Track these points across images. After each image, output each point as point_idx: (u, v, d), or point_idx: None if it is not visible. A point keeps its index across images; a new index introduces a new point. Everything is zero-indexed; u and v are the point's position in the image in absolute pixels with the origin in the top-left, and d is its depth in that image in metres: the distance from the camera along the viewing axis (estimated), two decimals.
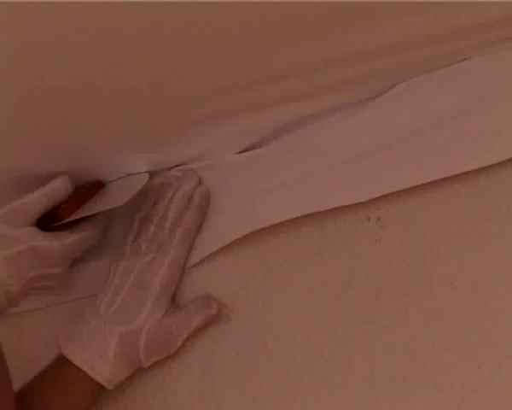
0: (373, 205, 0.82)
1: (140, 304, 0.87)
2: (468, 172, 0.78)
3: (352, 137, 0.84)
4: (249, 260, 0.88)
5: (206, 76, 0.78)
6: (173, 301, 0.90)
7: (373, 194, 0.82)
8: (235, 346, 0.87)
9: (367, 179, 0.82)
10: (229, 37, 0.72)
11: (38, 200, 0.88)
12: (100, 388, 0.87)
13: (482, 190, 0.78)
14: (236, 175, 0.90)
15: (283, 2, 0.68)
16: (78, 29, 0.69)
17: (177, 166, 0.93)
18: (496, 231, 0.77)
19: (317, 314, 0.83)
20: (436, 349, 0.77)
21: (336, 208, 0.83)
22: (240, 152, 0.90)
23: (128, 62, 0.75)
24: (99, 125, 0.84)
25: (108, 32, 0.71)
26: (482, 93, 0.78)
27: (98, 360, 0.86)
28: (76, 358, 0.86)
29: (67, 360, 0.87)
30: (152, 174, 0.92)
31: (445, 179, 0.79)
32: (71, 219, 0.89)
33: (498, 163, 0.77)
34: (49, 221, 0.88)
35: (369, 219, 0.83)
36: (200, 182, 0.92)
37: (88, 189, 0.92)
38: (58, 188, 0.89)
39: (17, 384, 0.85)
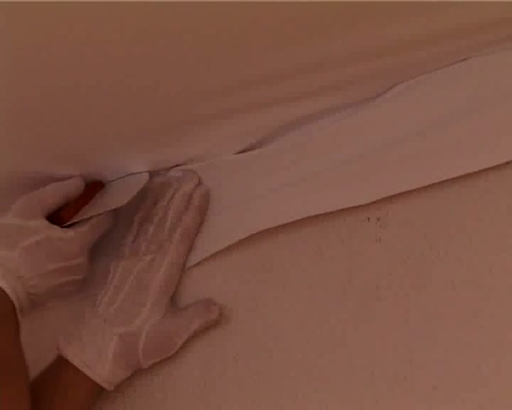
0: (373, 205, 0.82)
1: (139, 305, 0.87)
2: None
3: (352, 138, 0.84)
4: (249, 260, 0.88)
5: (206, 76, 0.78)
6: (173, 302, 0.90)
7: (373, 197, 0.82)
8: (235, 346, 0.87)
9: (367, 182, 0.82)
10: (228, 37, 0.72)
11: (50, 193, 0.88)
12: (99, 389, 0.87)
13: (482, 190, 0.78)
14: (236, 175, 0.90)
15: (283, 2, 0.68)
16: (79, 30, 0.69)
17: (176, 165, 0.93)
18: (496, 231, 0.77)
19: (317, 314, 0.83)
20: (436, 349, 0.77)
21: None
22: (240, 152, 0.90)
23: (128, 63, 0.75)
24: (99, 126, 0.84)
25: (108, 34, 0.70)
26: (482, 93, 0.78)
27: (97, 361, 0.86)
28: (75, 359, 0.86)
29: (67, 361, 0.87)
30: (152, 174, 0.92)
31: (445, 179, 0.79)
32: (74, 220, 0.89)
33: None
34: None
35: (369, 219, 0.83)
36: (199, 182, 0.92)
37: (88, 189, 0.92)
38: (70, 184, 0.89)
39: None
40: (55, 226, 0.87)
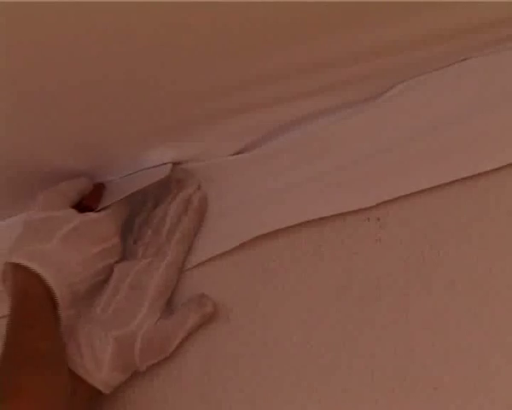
0: (373, 205, 0.82)
1: (136, 307, 0.87)
2: None
3: (352, 138, 0.84)
4: (249, 261, 0.88)
5: (206, 76, 0.78)
6: (172, 303, 0.90)
7: (374, 200, 0.82)
8: (235, 346, 0.87)
9: (368, 185, 0.82)
10: (228, 37, 0.72)
11: (69, 187, 0.88)
12: (97, 392, 0.87)
13: (482, 190, 0.78)
14: (236, 177, 0.90)
15: (283, 2, 0.68)
16: (84, 27, 0.69)
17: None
18: (496, 231, 0.77)
19: (317, 314, 0.83)
20: (436, 349, 0.77)
21: None
22: (239, 152, 0.90)
23: (127, 63, 0.75)
24: (102, 124, 0.84)
25: (108, 33, 0.70)
26: (482, 93, 0.78)
27: (94, 364, 0.86)
28: (71, 362, 0.86)
29: None
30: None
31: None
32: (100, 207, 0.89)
33: None
34: None
35: (368, 219, 0.83)
36: (199, 186, 0.91)
37: (95, 189, 0.92)
38: (83, 180, 0.90)
39: None
40: (86, 213, 0.87)
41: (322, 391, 0.82)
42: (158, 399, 0.90)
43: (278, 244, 0.87)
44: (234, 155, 0.91)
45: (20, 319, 0.81)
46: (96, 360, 0.86)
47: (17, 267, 0.83)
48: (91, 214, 0.87)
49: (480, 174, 0.78)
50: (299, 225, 0.86)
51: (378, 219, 0.82)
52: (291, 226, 0.86)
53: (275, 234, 0.87)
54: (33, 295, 0.82)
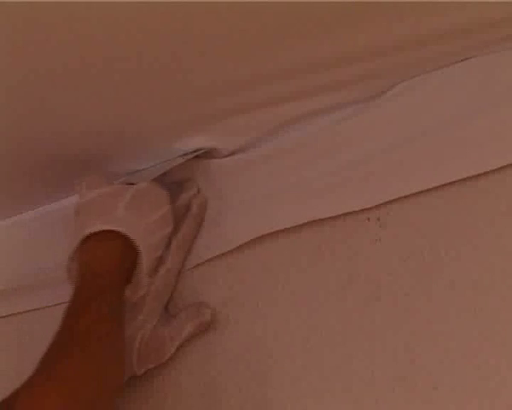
0: (373, 205, 0.82)
1: (134, 312, 0.87)
2: None
3: (352, 139, 0.84)
4: (249, 260, 0.88)
5: (206, 76, 0.78)
6: (171, 304, 0.90)
7: (374, 201, 0.82)
8: (235, 346, 0.87)
9: (368, 186, 0.82)
10: (228, 37, 0.72)
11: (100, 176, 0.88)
12: None
13: (482, 190, 0.78)
14: (236, 177, 0.90)
15: (283, 2, 0.68)
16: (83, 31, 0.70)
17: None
18: (496, 231, 0.77)
19: (317, 314, 0.83)
20: (436, 349, 0.77)
21: None
22: (238, 151, 0.90)
23: (127, 63, 0.75)
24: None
25: (107, 32, 0.70)
26: (482, 93, 0.78)
27: None
28: None
29: None
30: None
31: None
32: None
33: None
34: None
35: (369, 219, 0.83)
36: (198, 191, 0.91)
37: None
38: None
39: (16, 385, 0.85)
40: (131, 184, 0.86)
41: (322, 391, 0.82)
42: (158, 399, 0.90)
43: (278, 244, 0.87)
44: (233, 154, 0.91)
45: (83, 299, 0.79)
46: None
47: (88, 242, 0.82)
48: (141, 184, 0.86)
49: (479, 174, 0.78)
50: (300, 225, 0.86)
51: (378, 219, 0.82)
52: (291, 226, 0.86)
53: (275, 234, 0.87)
54: (101, 273, 0.81)
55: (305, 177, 0.86)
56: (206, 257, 0.91)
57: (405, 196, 0.81)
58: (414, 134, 0.81)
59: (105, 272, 0.81)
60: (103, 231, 0.82)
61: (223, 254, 0.90)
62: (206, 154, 0.91)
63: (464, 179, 0.78)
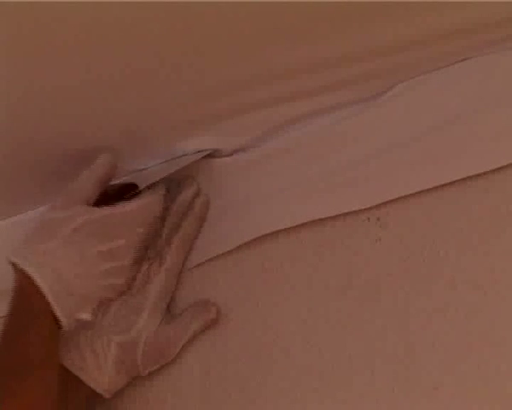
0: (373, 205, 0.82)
1: (137, 313, 0.87)
2: None
3: (352, 139, 0.84)
4: (249, 260, 0.88)
5: (206, 76, 0.78)
6: (173, 304, 0.90)
7: (374, 201, 0.82)
8: (234, 346, 0.87)
9: (368, 186, 0.82)
10: (228, 37, 0.72)
11: (85, 181, 0.84)
12: (95, 394, 0.87)
13: (482, 190, 0.78)
14: (236, 177, 0.90)
15: (283, 2, 0.68)
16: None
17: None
18: (496, 231, 0.77)
19: (317, 314, 0.83)
20: (436, 349, 0.77)
21: None
22: (237, 152, 0.90)
23: (126, 64, 0.75)
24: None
25: (107, 32, 0.71)
26: (482, 94, 0.78)
27: (97, 370, 0.86)
28: (74, 367, 0.86)
29: (65, 368, 0.86)
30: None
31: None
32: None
33: None
34: None
35: (369, 219, 0.83)
36: (199, 189, 0.91)
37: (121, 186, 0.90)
38: (99, 165, 0.85)
39: None
40: (95, 208, 0.82)
41: (322, 391, 0.82)
42: (158, 399, 0.90)
43: (278, 244, 0.87)
44: (233, 154, 0.91)
45: (15, 322, 0.79)
46: (99, 366, 0.86)
47: (16, 267, 0.81)
48: (98, 212, 0.82)
49: (479, 174, 0.78)
50: (299, 225, 0.86)
51: (378, 219, 0.82)
52: (291, 226, 0.86)
53: (275, 234, 0.87)
54: (28, 299, 0.80)
55: (305, 177, 0.86)
56: (206, 257, 0.91)
57: (405, 196, 0.81)
58: (414, 134, 0.81)
59: (30, 297, 0.80)
60: None
61: (223, 254, 0.90)
62: (207, 154, 0.91)
63: (464, 179, 0.78)
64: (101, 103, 0.81)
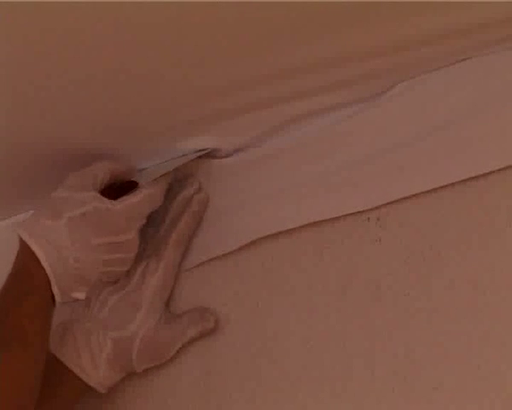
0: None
1: (134, 309, 0.87)
2: None
3: (352, 139, 0.84)
4: (249, 260, 0.88)
5: (206, 76, 0.78)
6: (171, 303, 0.90)
7: (375, 202, 0.82)
8: (234, 346, 0.87)
9: (369, 186, 0.82)
10: (228, 37, 0.72)
11: (101, 169, 0.86)
12: (90, 389, 0.87)
13: (482, 190, 0.78)
14: (236, 177, 0.90)
15: (283, 2, 0.68)
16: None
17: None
18: (496, 231, 0.77)
19: (317, 314, 0.83)
20: (436, 349, 0.77)
21: None
22: (237, 152, 0.90)
23: (125, 64, 0.75)
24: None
25: (105, 31, 0.71)
26: (482, 93, 0.78)
27: (91, 364, 0.86)
28: (68, 360, 0.86)
29: (59, 360, 0.86)
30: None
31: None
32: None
33: None
34: None
35: (368, 219, 0.83)
36: (200, 188, 0.91)
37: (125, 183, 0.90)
38: (119, 163, 0.88)
39: None
40: (104, 198, 0.84)
41: (322, 391, 0.82)
42: (158, 399, 0.90)
43: (278, 244, 0.87)
44: (233, 154, 0.91)
45: (12, 294, 0.80)
46: (93, 360, 0.86)
47: (21, 239, 0.82)
48: (107, 203, 0.84)
49: (479, 174, 0.78)
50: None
51: (378, 219, 0.82)
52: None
53: (275, 234, 0.87)
54: (29, 271, 0.81)
55: (305, 177, 0.86)
56: (206, 257, 0.91)
57: (405, 196, 0.81)
58: (414, 134, 0.81)
59: (29, 271, 0.81)
60: None
61: (223, 255, 0.90)
62: (207, 154, 0.91)
63: (464, 179, 0.78)
64: (101, 103, 0.81)
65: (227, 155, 0.91)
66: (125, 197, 0.85)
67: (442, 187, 0.79)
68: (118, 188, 0.88)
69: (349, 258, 0.83)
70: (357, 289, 0.82)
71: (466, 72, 0.79)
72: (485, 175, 0.77)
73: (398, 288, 0.80)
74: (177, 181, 0.92)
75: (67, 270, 0.81)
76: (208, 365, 0.88)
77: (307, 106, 0.84)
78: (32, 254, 0.80)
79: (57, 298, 0.81)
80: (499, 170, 0.76)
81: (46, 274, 0.80)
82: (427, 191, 0.80)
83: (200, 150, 0.90)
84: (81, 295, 0.83)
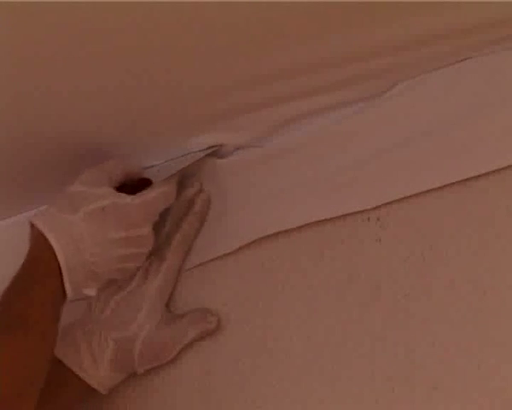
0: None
1: (135, 310, 0.87)
2: None
3: (352, 140, 0.84)
4: (249, 260, 0.88)
5: (206, 76, 0.78)
6: (172, 303, 0.90)
7: (375, 202, 0.82)
8: (235, 346, 0.87)
9: (369, 186, 0.82)
10: (228, 37, 0.72)
11: (118, 166, 0.87)
12: (91, 390, 0.87)
13: (482, 190, 0.78)
14: (237, 177, 0.90)
15: (283, 2, 0.68)
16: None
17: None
18: (496, 231, 0.77)
19: (317, 314, 0.83)
20: (436, 349, 0.77)
21: None
22: (238, 152, 0.90)
23: (124, 64, 0.75)
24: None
25: (105, 31, 0.71)
26: (482, 93, 0.78)
27: (93, 365, 0.86)
28: (70, 361, 0.86)
29: (60, 361, 0.86)
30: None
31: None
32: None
33: None
34: None
35: (369, 219, 0.83)
36: (202, 188, 0.91)
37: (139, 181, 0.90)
38: (132, 164, 0.88)
39: None
40: (122, 194, 0.84)
41: (322, 391, 0.82)
42: (158, 399, 0.90)
43: (278, 244, 0.87)
44: (234, 154, 0.91)
45: (21, 282, 0.80)
46: (95, 360, 0.86)
47: (34, 229, 0.82)
48: (126, 198, 0.84)
49: (479, 174, 0.78)
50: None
51: (378, 219, 0.82)
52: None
53: (275, 234, 0.87)
54: (41, 261, 0.81)
55: (305, 177, 0.86)
56: (207, 257, 0.91)
57: (405, 196, 0.81)
58: (414, 134, 0.81)
59: (41, 261, 0.81)
60: None
61: (223, 254, 0.90)
62: (207, 154, 0.91)
63: (464, 179, 0.78)
64: (107, 103, 0.81)
65: (227, 156, 0.91)
66: (142, 192, 0.85)
67: (442, 187, 0.79)
68: (130, 186, 0.88)
69: (349, 258, 0.83)
70: (357, 290, 0.82)
71: (466, 72, 0.79)
72: (485, 175, 0.77)
73: (398, 288, 0.80)
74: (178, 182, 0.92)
75: (82, 264, 0.81)
76: (208, 365, 0.88)
77: (307, 106, 0.84)
78: (48, 246, 0.81)
79: (68, 292, 0.81)
80: (499, 170, 0.76)
81: (58, 267, 0.80)
82: (427, 191, 0.80)
83: (205, 149, 0.90)
84: (92, 292, 0.84)
